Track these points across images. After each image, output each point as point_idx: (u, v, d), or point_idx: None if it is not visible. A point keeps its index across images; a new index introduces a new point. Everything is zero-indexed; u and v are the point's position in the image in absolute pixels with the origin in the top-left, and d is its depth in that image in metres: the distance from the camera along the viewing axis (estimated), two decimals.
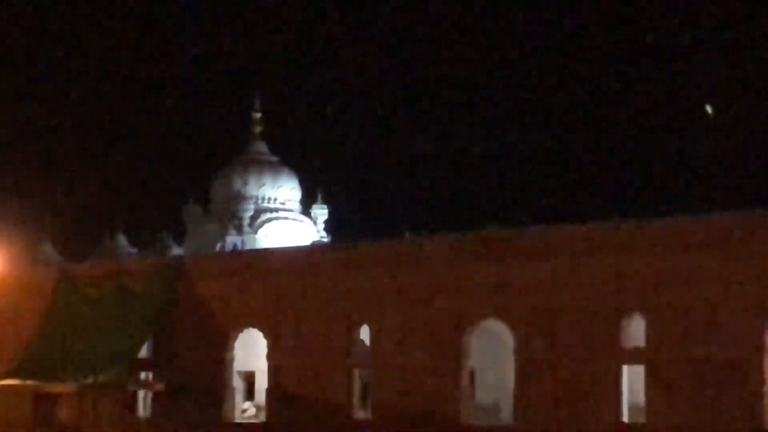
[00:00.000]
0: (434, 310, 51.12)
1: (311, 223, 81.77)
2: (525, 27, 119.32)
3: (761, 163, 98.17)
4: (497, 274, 49.84)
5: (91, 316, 59.26)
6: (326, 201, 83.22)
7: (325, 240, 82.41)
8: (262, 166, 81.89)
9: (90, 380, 55.62)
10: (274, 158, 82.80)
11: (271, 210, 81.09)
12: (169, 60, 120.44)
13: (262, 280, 56.30)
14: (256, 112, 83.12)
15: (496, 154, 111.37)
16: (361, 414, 53.60)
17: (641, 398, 46.94)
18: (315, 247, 63.16)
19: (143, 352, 58.69)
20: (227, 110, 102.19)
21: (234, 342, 56.49)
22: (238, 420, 56.93)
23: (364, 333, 53.98)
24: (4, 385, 57.61)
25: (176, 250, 75.29)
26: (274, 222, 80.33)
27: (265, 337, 55.47)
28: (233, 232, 79.41)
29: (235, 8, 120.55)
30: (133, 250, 75.27)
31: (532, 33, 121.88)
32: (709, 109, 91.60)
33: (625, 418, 46.81)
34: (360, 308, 53.26)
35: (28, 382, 56.91)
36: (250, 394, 59.03)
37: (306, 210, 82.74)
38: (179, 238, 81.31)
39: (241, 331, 56.40)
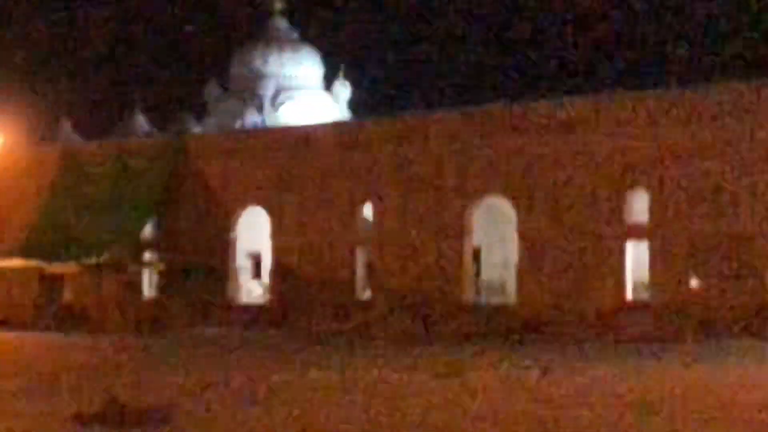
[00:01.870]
0: (438, 186, 51.45)
1: (333, 101, 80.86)
2: None
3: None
4: (500, 150, 50.07)
5: (93, 195, 59.89)
6: (349, 78, 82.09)
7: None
8: (281, 43, 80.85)
9: (93, 260, 56.19)
10: (295, 35, 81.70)
11: (292, 88, 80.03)
12: None
13: (264, 158, 56.76)
14: None
15: (505, 30, 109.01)
16: (366, 293, 53.98)
17: (645, 275, 47.02)
18: (317, 125, 62.47)
19: (147, 232, 59.35)
20: None
21: (237, 221, 57.22)
22: (243, 300, 57.56)
23: (368, 211, 54.10)
24: (9, 265, 58.33)
25: (196, 129, 74.85)
26: (294, 100, 79.27)
27: (269, 215, 55.97)
28: (253, 110, 78.55)
29: None
30: (152, 129, 74.48)
31: None
32: None
33: (629, 295, 47.29)
34: (363, 186, 53.64)
35: (33, 261, 57.54)
36: (257, 273, 59.14)
37: (328, 88, 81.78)
38: (200, 118, 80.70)
39: (245, 210, 56.98)
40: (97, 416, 19.88)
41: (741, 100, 45.15)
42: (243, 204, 56.92)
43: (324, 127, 60.01)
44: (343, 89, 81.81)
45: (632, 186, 47.24)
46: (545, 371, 30.57)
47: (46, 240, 58.75)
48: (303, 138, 57.09)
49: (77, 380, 28.69)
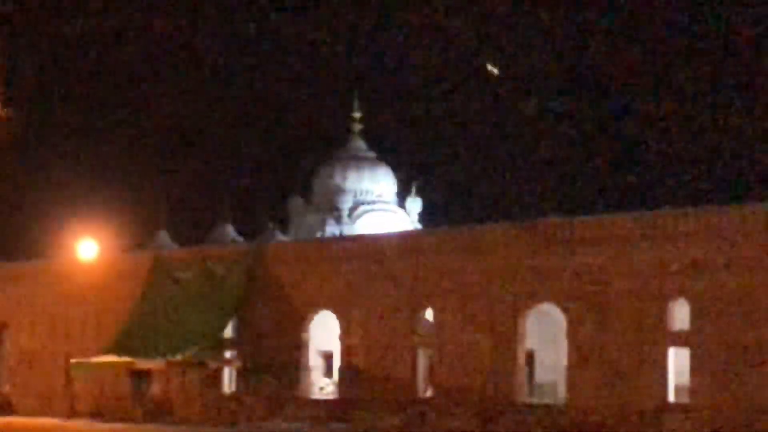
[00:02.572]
0: (493, 293, 49.97)
1: (405, 214, 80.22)
2: None
3: None
4: (551, 261, 48.67)
5: (180, 297, 58.87)
6: (420, 194, 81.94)
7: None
8: (360, 161, 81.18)
9: (178, 357, 54.98)
10: (372, 154, 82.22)
11: (369, 202, 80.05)
12: (276, 62, 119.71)
13: (334, 265, 55.43)
14: (356, 111, 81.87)
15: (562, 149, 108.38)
16: (426, 392, 52.58)
17: (686, 379, 45.21)
18: (384, 235, 62.31)
19: (227, 332, 57.82)
20: (329, 109, 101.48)
21: (309, 323, 55.76)
22: (315, 396, 56.10)
23: (429, 315, 52.68)
24: (104, 361, 57.09)
25: (280, 239, 74.23)
26: (370, 213, 78.91)
27: (338, 318, 54.65)
28: (333, 222, 78.40)
29: (337, 15, 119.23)
30: (240, 239, 73.98)
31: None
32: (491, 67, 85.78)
33: (671, 398, 45.34)
34: (425, 292, 52.09)
35: (124, 358, 56.29)
36: (329, 371, 57.85)
37: (401, 202, 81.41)
38: (283, 229, 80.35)
39: (316, 313, 55.61)
40: None
41: (754, 219, 44.10)
42: (315, 307, 55.45)
43: (390, 237, 59.80)
44: (415, 204, 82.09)
45: (673, 295, 45.49)
46: None
47: (137, 338, 57.56)
48: (371, 247, 56.12)
49: None
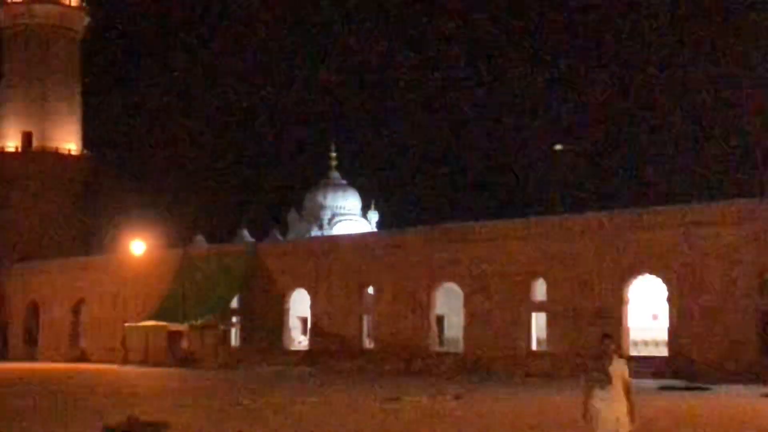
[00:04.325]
0: (414, 276, 50.20)
1: (367, 223, 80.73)
2: None
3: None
4: (452, 253, 49.01)
5: (200, 280, 59.04)
6: (377, 208, 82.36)
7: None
8: (335, 186, 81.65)
9: (198, 322, 55.61)
10: (344, 182, 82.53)
11: (341, 215, 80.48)
12: (279, 121, 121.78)
13: (306, 257, 55.68)
14: (332, 152, 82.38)
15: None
16: (369, 344, 52.89)
17: (544, 333, 46.24)
18: (340, 236, 63.36)
19: (233, 303, 58.35)
20: (315, 151, 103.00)
21: (290, 297, 55.86)
22: (293, 348, 56.45)
23: (371, 291, 52.87)
24: (148, 325, 57.60)
25: (279, 240, 74.37)
26: (342, 222, 79.40)
27: (309, 294, 54.88)
28: (316, 229, 78.58)
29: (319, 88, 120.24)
30: (252, 240, 74.00)
31: None
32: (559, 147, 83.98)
33: (534, 347, 46.10)
34: (368, 275, 52.38)
35: (161, 322, 56.91)
36: (304, 330, 57.84)
37: (364, 215, 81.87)
38: (283, 233, 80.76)
39: (294, 290, 55.67)
40: (116, 427, 18.43)
41: (605, 224, 44.36)
42: (293, 286, 55.68)
43: (344, 237, 60.56)
44: (374, 215, 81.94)
45: (536, 276, 46.00)
46: (457, 397, 28.97)
47: (170, 309, 57.97)
48: (331, 245, 56.40)
49: (152, 399, 27.31)
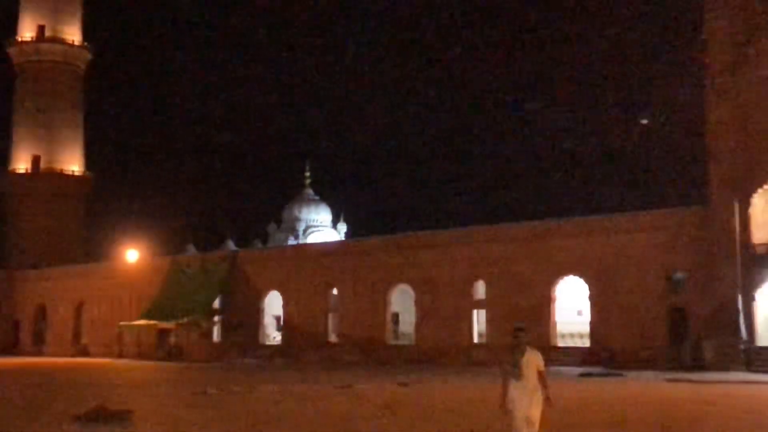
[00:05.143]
0: (372, 278, 49.91)
1: (337, 233, 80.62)
2: None
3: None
4: (405, 258, 48.85)
5: (186, 283, 58.24)
6: (346, 221, 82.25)
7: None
8: (309, 202, 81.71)
9: (185, 320, 54.81)
10: (317, 197, 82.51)
11: (315, 226, 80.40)
12: (260, 145, 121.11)
13: (279, 262, 55.24)
14: (307, 172, 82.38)
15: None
16: (332, 337, 52.18)
17: (484, 328, 45.91)
18: (308, 244, 63.48)
19: (215, 304, 57.29)
20: (292, 171, 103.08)
21: (265, 298, 55.16)
22: (268, 342, 55.79)
23: (335, 292, 52.27)
24: (140, 323, 57.01)
25: (260, 248, 73.82)
26: (315, 233, 79.24)
27: (281, 295, 54.26)
28: (293, 238, 78.31)
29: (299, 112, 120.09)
30: (237, 249, 73.57)
31: None
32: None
33: (476, 339, 45.82)
34: (333, 278, 51.87)
35: (152, 321, 56.21)
36: (278, 327, 57.27)
37: (334, 226, 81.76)
38: (264, 242, 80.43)
39: (269, 292, 54.94)
40: (85, 415, 17.75)
41: (524, 232, 44.40)
42: (268, 288, 54.98)
43: (311, 245, 60.35)
44: (342, 226, 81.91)
45: (476, 278, 45.74)
46: (404, 384, 28.46)
47: (160, 309, 57.14)
48: (301, 252, 56.19)
49: (123, 390, 26.61)
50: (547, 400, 10.89)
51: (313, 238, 77.47)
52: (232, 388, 26.47)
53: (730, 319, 36.16)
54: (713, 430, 16.29)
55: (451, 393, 25.27)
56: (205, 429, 16.30)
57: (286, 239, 79.50)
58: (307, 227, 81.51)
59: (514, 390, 10.89)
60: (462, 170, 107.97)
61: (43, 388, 28.50)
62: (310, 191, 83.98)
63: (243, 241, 79.94)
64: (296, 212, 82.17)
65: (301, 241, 77.26)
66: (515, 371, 10.82)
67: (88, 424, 16.86)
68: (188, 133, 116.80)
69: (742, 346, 35.54)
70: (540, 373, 10.88)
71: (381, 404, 20.74)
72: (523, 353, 10.91)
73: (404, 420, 17.58)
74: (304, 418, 17.99)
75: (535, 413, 10.89)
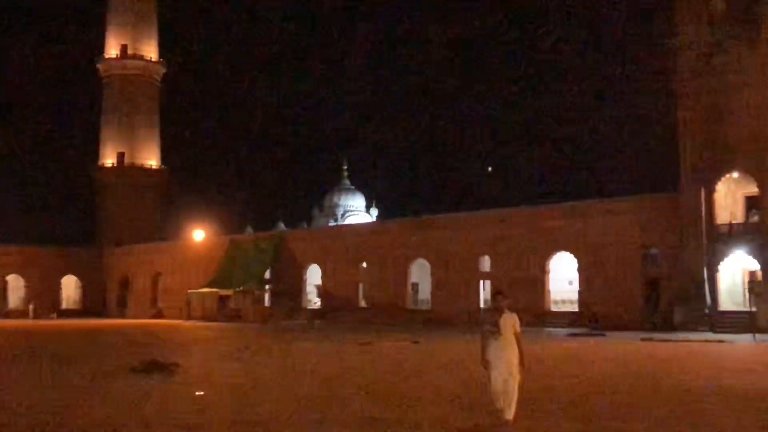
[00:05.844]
0: (394, 254, 49.51)
1: (370, 216, 79.87)
2: None
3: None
4: (422, 237, 48.40)
5: (242, 258, 58.03)
6: (377, 206, 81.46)
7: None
8: (347, 190, 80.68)
9: (241, 288, 54.57)
10: (353, 187, 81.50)
11: (351, 211, 79.46)
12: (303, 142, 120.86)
13: (318, 241, 54.94)
14: (344, 165, 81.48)
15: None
16: (362, 303, 51.83)
17: (488, 295, 44.33)
18: (342, 225, 62.79)
19: (266, 275, 56.95)
20: (333, 164, 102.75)
21: (307, 270, 54.97)
22: (310, 307, 55.02)
23: (365, 265, 51.79)
24: (205, 291, 56.91)
25: (304, 229, 73.43)
26: (352, 216, 78.48)
27: (320, 268, 53.97)
28: (333, 221, 77.57)
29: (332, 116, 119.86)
30: (284, 230, 73.12)
31: None
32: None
33: (482, 305, 44.72)
34: (362, 253, 51.45)
35: (215, 289, 56.11)
36: (318, 294, 56.49)
37: (368, 211, 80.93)
38: (309, 224, 79.94)
39: (310, 265, 54.68)
40: (139, 367, 17.51)
41: (522, 215, 43.87)
42: (309, 262, 54.77)
43: (345, 226, 59.85)
44: (374, 211, 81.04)
45: (482, 254, 45.16)
46: (416, 342, 28.03)
47: (221, 279, 57.19)
48: (336, 232, 56.00)
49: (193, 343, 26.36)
50: (521, 360, 10.04)
51: (349, 221, 76.83)
52: (271, 344, 26.19)
53: (696, 288, 35.39)
54: (675, 377, 15.68)
55: (451, 349, 24.77)
56: (233, 378, 15.97)
57: (327, 222, 78.83)
58: (345, 212, 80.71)
59: (494, 348, 10.11)
60: (473, 162, 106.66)
61: (115, 344, 28.41)
62: (347, 181, 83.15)
63: (291, 224, 79.60)
64: (335, 199, 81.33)
65: (340, 223, 76.68)
66: (494, 331, 10.06)
67: (140, 375, 16.60)
68: (248, 132, 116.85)
69: (706, 311, 34.78)
70: (516, 335, 10.08)
71: (397, 355, 20.30)
72: (501, 316, 10.13)
73: (399, 374, 17.12)
74: (320, 370, 17.61)
75: (513, 369, 10.21)
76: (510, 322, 10.12)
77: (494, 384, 10.03)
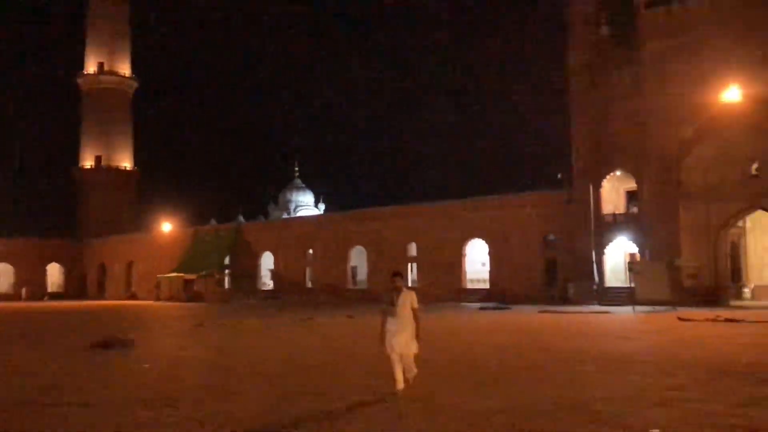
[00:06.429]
0: (336, 241, 48.87)
1: (318, 211, 78.76)
2: None
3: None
4: (359, 228, 47.70)
5: (203, 247, 56.86)
6: (324, 202, 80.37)
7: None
8: (298, 188, 79.31)
9: (203, 273, 53.33)
10: (303, 185, 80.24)
11: (302, 206, 78.25)
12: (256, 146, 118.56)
13: (271, 231, 54.13)
14: (296, 166, 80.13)
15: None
16: (309, 284, 50.85)
17: (416, 276, 44.63)
18: (292, 217, 61.60)
19: (225, 261, 55.74)
20: (285, 165, 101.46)
21: (261, 256, 53.97)
22: (263, 288, 53.93)
23: (311, 252, 50.93)
24: (172, 276, 55.39)
25: (261, 221, 71.97)
26: (302, 210, 77.28)
27: (273, 254, 53.10)
28: (286, 215, 76.19)
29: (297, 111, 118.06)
30: (241, 222, 71.50)
31: None
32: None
33: (410, 284, 43.53)
34: (308, 242, 50.69)
35: (181, 274, 54.70)
36: (271, 277, 55.20)
37: (316, 205, 79.86)
38: (266, 217, 78.33)
39: (264, 252, 53.75)
40: (98, 344, 16.71)
41: (441, 209, 43.26)
42: (263, 250, 53.80)
43: (294, 218, 58.79)
44: (322, 206, 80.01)
45: (410, 241, 44.38)
46: (350, 317, 27.62)
47: (186, 265, 55.68)
48: (286, 223, 55.05)
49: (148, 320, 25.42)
50: (417, 335, 9.43)
51: (301, 214, 75.76)
52: (224, 322, 25.51)
53: (586, 267, 35.85)
54: (563, 343, 15.69)
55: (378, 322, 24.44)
56: (183, 351, 15.38)
57: (281, 216, 77.62)
58: (296, 206, 79.43)
59: (391, 325, 9.38)
60: (406, 161, 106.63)
61: (84, 322, 27.32)
62: (298, 180, 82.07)
63: (250, 217, 78.21)
64: (288, 195, 80.00)
65: (292, 216, 75.48)
66: (392, 309, 9.42)
67: (97, 350, 15.86)
68: (212, 138, 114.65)
69: (595, 287, 35.27)
70: (414, 310, 9.46)
71: (332, 328, 19.89)
72: (398, 295, 9.46)
73: (329, 347, 16.76)
74: (260, 341, 17.12)
75: (409, 344, 9.47)
76: (408, 299, 9.50)
77: (391, 357, 9.56)
